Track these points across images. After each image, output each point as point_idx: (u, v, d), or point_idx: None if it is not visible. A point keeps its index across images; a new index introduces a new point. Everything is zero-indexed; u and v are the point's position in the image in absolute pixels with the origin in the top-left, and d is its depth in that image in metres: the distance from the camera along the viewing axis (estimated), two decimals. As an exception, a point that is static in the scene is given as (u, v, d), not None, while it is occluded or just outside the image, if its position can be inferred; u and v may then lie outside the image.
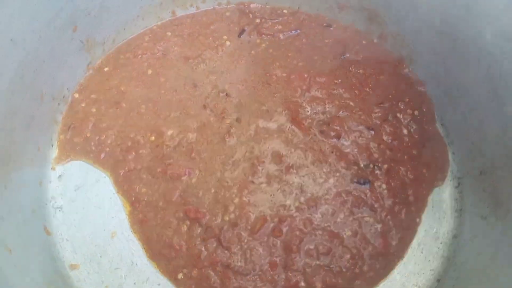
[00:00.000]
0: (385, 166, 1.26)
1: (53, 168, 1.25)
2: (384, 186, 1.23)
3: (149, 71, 1.40)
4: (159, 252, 1.15)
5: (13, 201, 1.03)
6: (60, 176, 1.24)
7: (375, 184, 1.23)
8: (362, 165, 1.26)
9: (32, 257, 1.02)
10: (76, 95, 1.34)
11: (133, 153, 1.26)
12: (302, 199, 1.21)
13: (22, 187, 1.10)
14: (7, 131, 1.07)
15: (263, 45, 1.47)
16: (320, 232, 1.17)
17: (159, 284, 1.12)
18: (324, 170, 1.25)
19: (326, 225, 1.18)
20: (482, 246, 1.05)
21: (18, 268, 0.94)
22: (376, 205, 1.21)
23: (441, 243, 1.19)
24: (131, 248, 1.16)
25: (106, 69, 1.40)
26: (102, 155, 1.26)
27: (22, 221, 1.04)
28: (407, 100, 1.35)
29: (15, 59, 1.08)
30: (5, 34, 1.03)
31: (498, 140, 1.10)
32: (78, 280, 1.12)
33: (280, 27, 1.51)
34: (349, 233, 1.17)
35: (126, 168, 1.24)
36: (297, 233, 1.16)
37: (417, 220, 1.21)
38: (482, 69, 1.14)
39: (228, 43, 1.47)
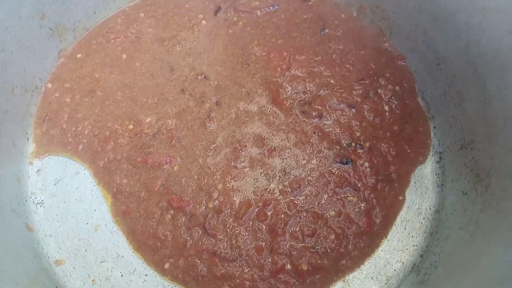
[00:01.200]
0: (367, 144, 1.25)
1: (31, 163, 1.22)
2: (366, 164, 1.23)
3: (124, 56, 1.35)
4: (144, 243, 1.15)
5: (-10, 201, 1.01)
6: (38, 170, 1.21)
7: (358, 163, 1.23)
8: (344, 144, 1.25)
9: (15, 258, 1.01)
10: (49, 85, 1.29)
11: (112, 143, 1.24)
12: (285, 182, 1.20)
13: (0, 186, 1.07)
14: (-22, 130, 1.03)
15: (240, 23, 1.43)
16: (304, 214, 1.17)
17: (146, 275, 1.13)
18: (307, 151, 1.24)
19: (310, 206, 1.18)
20: (463, 222, 1.06)
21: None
22: (359, 184, 1.21)
23: (423, 218, 1.20)
24: (116, 240, 1.16)
25: (78, 56, 1.35)
26: (80, 147, 1.23)
27: (1, 221, 1.02)
28: (388, 75, 1.34)
29: (-20, 53, 1.03)
30: (-33, 28, 0.98)
31: (477, 115, 1.10)
32: (64, 275, 1.11)
33: (257, 3, 1.46)
34: (333, 213, 1.18)
35: (106, 159, 1.22)
36: (282, 216, 1.17)
37: (400, 197, 1.22)
38: (461, 44, 1.13)
39: (204, 22, 1.42)
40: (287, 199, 1.19)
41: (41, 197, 1.19)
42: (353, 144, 1.25)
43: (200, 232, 1.15)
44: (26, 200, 1.17)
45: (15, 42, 1.14)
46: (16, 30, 1.13)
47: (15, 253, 1.02)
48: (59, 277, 1.11)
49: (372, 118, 1.28)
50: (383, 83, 1.32)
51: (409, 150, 1.26)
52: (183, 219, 1.16)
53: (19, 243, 1.07)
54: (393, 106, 1.30)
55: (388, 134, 1.27)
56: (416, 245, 1.18)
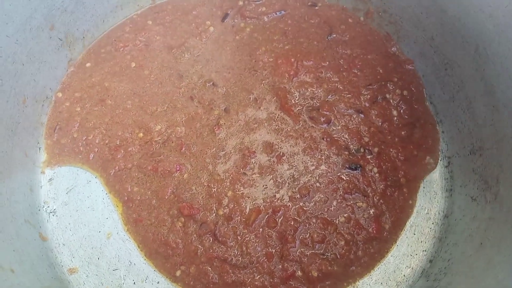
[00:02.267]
0: (376, 149, 1.26)
1: (42, 172, 1.23)
2: (375, 170, 1.24)
3: (133, 64, 1.36)
4: (156, 251, 1.16)
5: (5, 215, 1.03)
6: (50, 179, 1.23)
7: (367, 169, 1.24)
8: (353, 150, 1.26)
9: (30, 269, 1.03)
10: (59, 95, 1.31)
11: (122, 151, 1.25)
12: (294, 188, 1.21)
13: (13, 197, 1.09)
14: (-8, 143, 1.05)
15: (248, 29, 1.43)
16: (314, 220, 1.18)
17: (158, 282, 1.14)
18: (316, 157, 1.24)
19: (319, 213, 1.19)
20: (472, 229, 1.06)
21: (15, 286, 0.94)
22: (368, 190, 1.22)
23: (432, 223, 1.21)
24: (128, 247, 1.17)
25: (87, 65, 1.36)
26: (91, 156, 1.25)
27: (15, 233, 1.04)
28: (396, 80, 1.34)
29: (-7, 67, 1.05)
30: (-20, 43, 1.00)
31: (486, 122, 1.10)
32: (78, 284, 1.13)
33: (264, 8, 1.46)
34: (342, 219, 1.18)
35: (116, 168, 1.23)
36: (292, 222, 1.18)
37: (410, 202, 1.22)
38: (470, 50, 1.13)
39: (212, 29, 1.43)
40: (297, 206, 1.19)
41: (53, 206, 1.20)
42: (362, 150, 1.25)
43: (211, 239, 1.16)
44: (39, 210, 1.19)
45: (26, 54, 1.16)
46: (27, 42, 1.15)
47: (30, 264, 1.03)
48: (73, 285, 1.13)
49: (380, 123, 1.29)
50: (391, 88, 1.33)
51: (418, 155, 1.26)
52: (194, 227, 1.17)
53: (34, 254, 1.08)
54: (401, 111, 1.31)
55: (396, 139, 1.27)
56: (425, 250, 1.18)
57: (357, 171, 1.23)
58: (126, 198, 1.21)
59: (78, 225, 1.19)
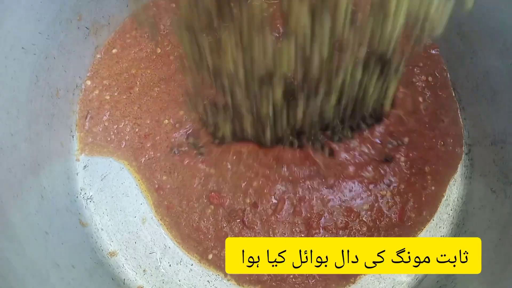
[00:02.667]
0: (406, 139, 1.28)
1: (77, 160, 1.29)
2: (402, 158, 1.27)
3: (158, 50, 1.38)
4: (188, 236, 1.23)
5: (50, 209, 1.09)
6: (85, 166, 1.29)
7: (395, 157, 1.27)
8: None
9: (76, 258, 1.11)
10: (88, 82, 1.34)
11: (151, 140, 1.29)
12: (320, 177, 1.26)
13: (55, 189, 1.15)
14: (33, 139, 1.10)
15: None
16: (337, 208, 1.24)
17: (192, 264, 1.22)
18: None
19: (343, 201, 1.24)
20: (491, 221, 1.11)
21: (66, 279, 1.02)
22: (392, 179, 1.26)
23: (451, 209, 1.26)
24: (162, 232, 1.24)
25: (114, 51, 1.38)
26: (123, 144, 1.30)
27: (61, 226, 1.11)
28: (421, 65, 1.34)
29: (29, 66, 1.08)
30: (17, 44, 1.02)
31: (510, 117, 1.12)
32: (117, 266, 1.21)
33: (287, -12, 1.44)
34: (366, 207, 1.24)
35: (146, 156, 1.28)
36: (316, 211, 1.23)
37: (435, 190, 1.26)
38: (497, 43, 1.12)
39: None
40: (321, 194, 1.25)
41: (90, 193, 1.27)
42: (392, 140, 1.28)
43: (240, 225, 1.23)
44: (77, 197, 1.25)
45: (57, 47, 1.17)
46: (57, 36, 1.16)
47: (76, 253, 1.11)
48: (113, 268, 1.21)
49: (406, 111, 1.30)
50: (417, 73, 1.33)
51: (442, 143, 1.29)
52: (223, 214, 1.24)
53: (77, 241, 1.16)
54: (426, 97, 1.32)
55: (421, 127, 1.30)
56: (443, 236, 1.24)
57: (390, 161, 1.26)
58: (156, 186, 1.27)
59: (114, 211, 1.26)
